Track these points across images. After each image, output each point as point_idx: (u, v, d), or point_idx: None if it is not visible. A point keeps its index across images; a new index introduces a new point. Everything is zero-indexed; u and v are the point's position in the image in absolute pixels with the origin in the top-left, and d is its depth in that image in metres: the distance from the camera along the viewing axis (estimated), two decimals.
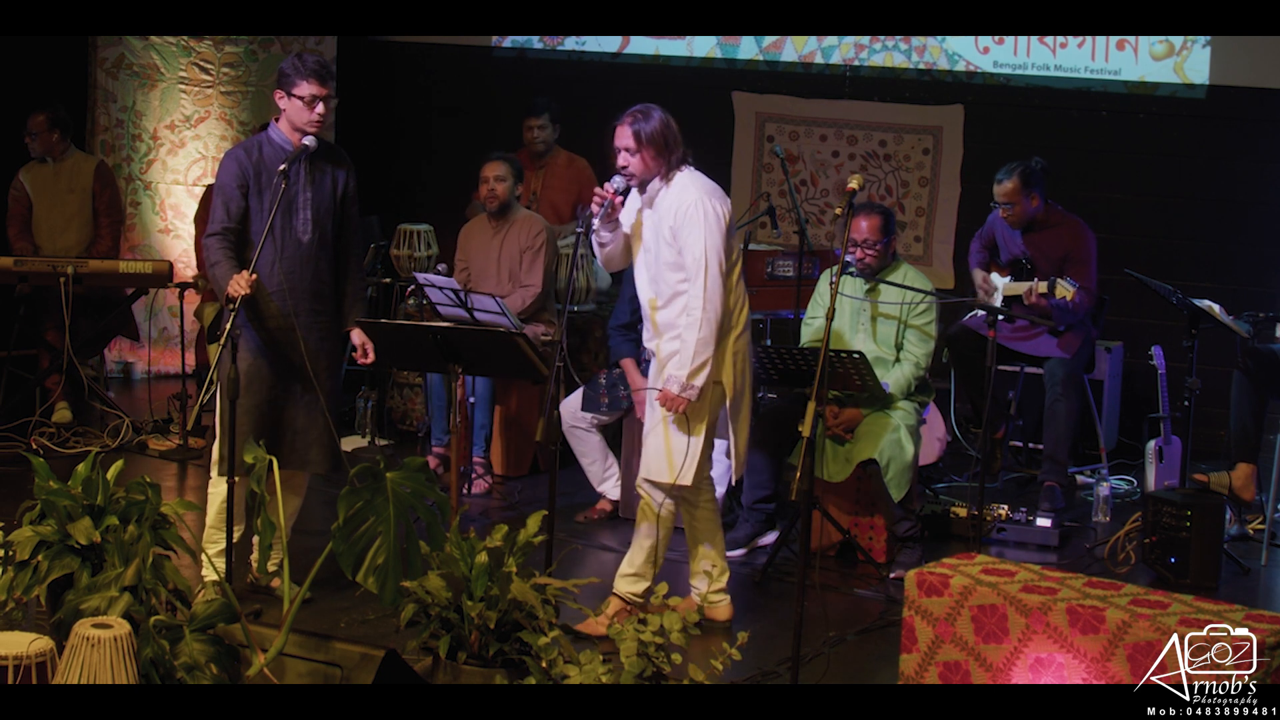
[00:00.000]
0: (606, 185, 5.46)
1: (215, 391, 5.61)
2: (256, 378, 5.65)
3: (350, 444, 8.11)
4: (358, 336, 5.87)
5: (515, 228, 7.76)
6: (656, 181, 5.49)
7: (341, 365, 5.92)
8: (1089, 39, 8.79)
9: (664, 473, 5.50)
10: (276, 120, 5.74)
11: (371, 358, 5.89)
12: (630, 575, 5.66)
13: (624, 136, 5.44)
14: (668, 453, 5.49)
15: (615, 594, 5.67)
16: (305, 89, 5.63)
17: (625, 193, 5.53)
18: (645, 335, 5.72)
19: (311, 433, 5.77)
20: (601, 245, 5.60)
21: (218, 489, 5.69)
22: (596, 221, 5.48)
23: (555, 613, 4.48)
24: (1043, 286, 7.20)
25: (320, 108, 5.64)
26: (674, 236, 5.41)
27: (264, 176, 5.62)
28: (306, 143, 5.67)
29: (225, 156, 5.74)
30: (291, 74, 5.64)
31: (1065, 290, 7.08)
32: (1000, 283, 7.63)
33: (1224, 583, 6.40)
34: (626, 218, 5.60)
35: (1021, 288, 7.36)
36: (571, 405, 7.06)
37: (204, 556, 5.32)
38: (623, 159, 5.45)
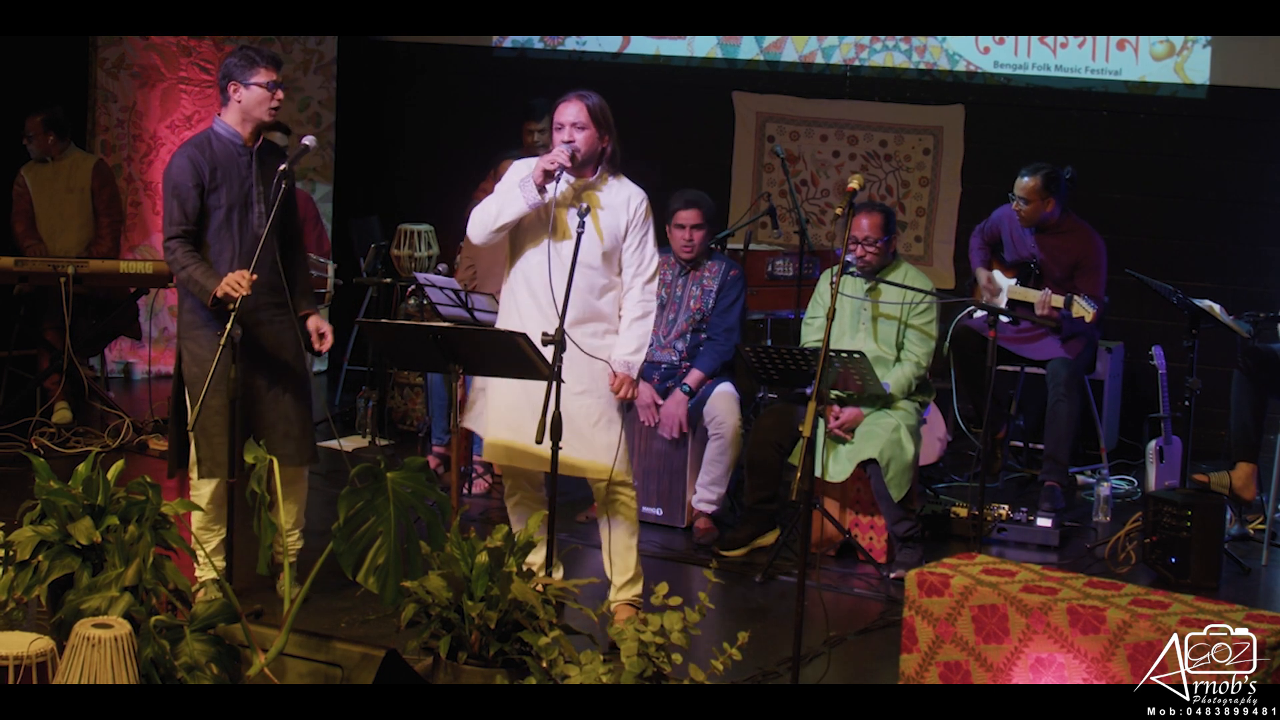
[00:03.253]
0: (562, 149, 5.31)
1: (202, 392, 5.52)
2: (222, 377, 5.56)
3: (350, 444, 8.11)
4: (314, 323, 5.80)
5: None
6: (593, 175, 5.45)
7: (304, 355, 5.88)
8: (1089, 39, 8.79)
9: (624, 469, 5.54)
10: (219, 115, 5.72)
11: (328, 344, 5.81)
12: (628, 581, 5.65)
13: (576, 112, 5.38)
14: (624, 449, 5.52)
15: (621, 603, 5.64)
16: (264, 75, 5.63)
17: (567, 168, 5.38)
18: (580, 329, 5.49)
19: (281, 427, 5.70)
20: (516, 208, 5.35)
21: (200, 491, 5.64)
22: (534, 182, 5.30)
23: (555, 613, 4.48)
24: (1058, 300, 7.18)
25: (280, 93, 5.66)
26: (626, 232, 5.44)
27: (218, 173, 5.59)
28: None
29: (176, 156, 5.66)
30: (246, 64, 5.62)
31: (1084, 310, 7.06)
32: (1006, 284, 7.61)
33: (1224, 583, 6.40)
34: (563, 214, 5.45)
35: (1034, 296, 7.32)
36: None
37: (197, 548, 5.31)
38: (569, 133, 5.37)
